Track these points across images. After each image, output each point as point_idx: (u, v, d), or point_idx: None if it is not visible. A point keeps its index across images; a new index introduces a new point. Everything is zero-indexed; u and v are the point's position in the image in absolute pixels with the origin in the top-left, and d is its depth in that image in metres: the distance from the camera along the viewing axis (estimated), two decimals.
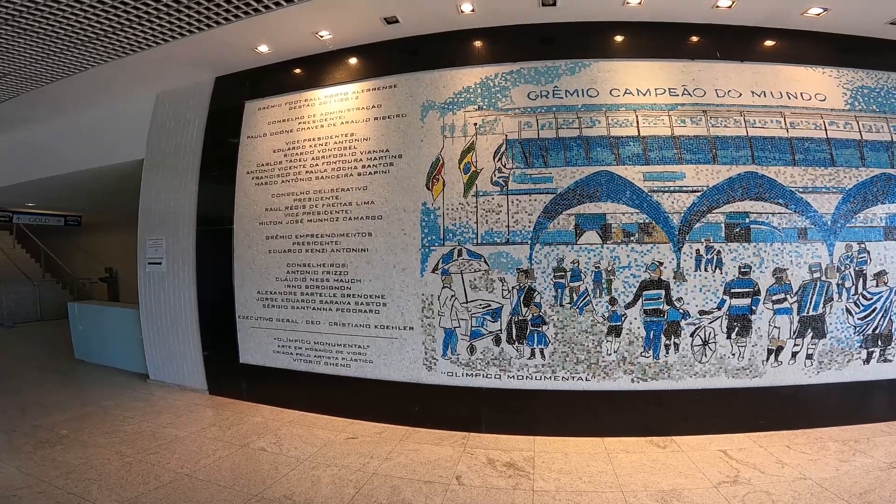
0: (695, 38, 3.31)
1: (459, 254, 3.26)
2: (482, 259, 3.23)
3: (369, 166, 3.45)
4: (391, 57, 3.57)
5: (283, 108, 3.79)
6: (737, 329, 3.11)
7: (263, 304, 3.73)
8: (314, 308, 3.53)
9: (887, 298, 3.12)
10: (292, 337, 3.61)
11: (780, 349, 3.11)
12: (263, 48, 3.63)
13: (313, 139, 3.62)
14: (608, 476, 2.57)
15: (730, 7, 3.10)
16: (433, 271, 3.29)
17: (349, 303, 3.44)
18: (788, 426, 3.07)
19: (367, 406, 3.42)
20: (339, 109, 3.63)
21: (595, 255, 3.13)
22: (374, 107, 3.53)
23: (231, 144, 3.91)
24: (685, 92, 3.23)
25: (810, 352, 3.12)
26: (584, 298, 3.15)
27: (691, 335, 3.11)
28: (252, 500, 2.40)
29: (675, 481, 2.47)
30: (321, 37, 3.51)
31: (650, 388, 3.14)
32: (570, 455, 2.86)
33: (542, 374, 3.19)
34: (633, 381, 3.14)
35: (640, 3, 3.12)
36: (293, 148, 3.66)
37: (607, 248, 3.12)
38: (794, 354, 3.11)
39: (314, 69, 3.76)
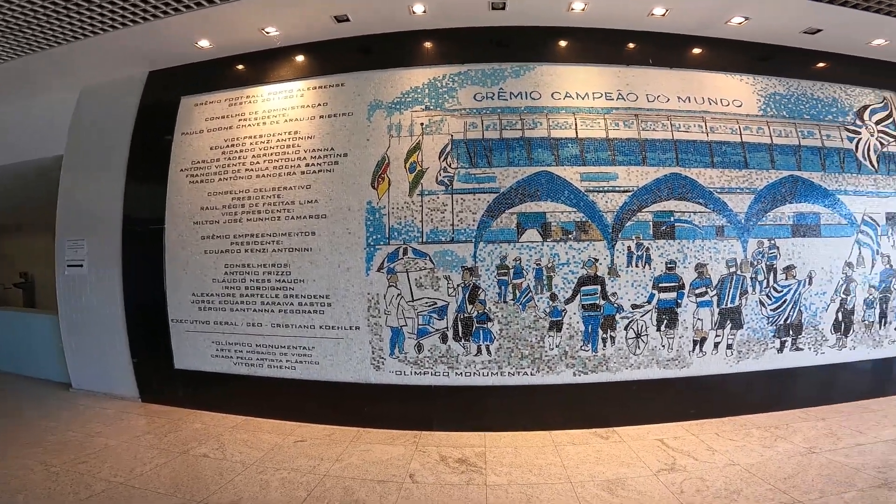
0: (631, 45, 3.52)
1: (405, 252, 3.27)
2: (427, 257, 3.25)
3: (313, 165, 3.38)
4: (341, 55, 3.53)
5: (222, 105, 3.65)
6: (665, 321, 3.31)
7: (199, 307, 3.54)
8: (255, 310, 3.39)
9: (796, 291, 3.44)
10: (232, 340, 3.46)
11: (703, 340, 3.35)
12: (204, 43, 3.49)
13: (254, 136, 3.51)
14: (557, 468, 2.65)
15: (663, 15, 3.32)
16: (378, 270, 3.27)
17: (292, 303, 3.34)
18: (717, 414, 3.29)
19: (315, 408, 3.33)
20: (283, 107, 3.54)
21: (536, 253, 3.24)
22: (320, 105, 3.48)
23: (164, 141, 3.72)
24: (619, 96, 3.43)
25: (730, 342, 3.38)
26: (527, 295, 3.25)
27: (625, 328, 3.29)
28: None
29: (619, 470, 2.59)
30: (268, 33, 3.42)
31: (591, 381, 3.27)
32: (520, 449, 2.93)
33: (489, 370, 3.24)
34: (574, 374, 3.26)
35: (583, 10, 3.28)
36: (232, 145, 3.53)
37: (547, 245, 3.24)
38: (716, 345, 3.36)
39: (258, 65, 3.65)
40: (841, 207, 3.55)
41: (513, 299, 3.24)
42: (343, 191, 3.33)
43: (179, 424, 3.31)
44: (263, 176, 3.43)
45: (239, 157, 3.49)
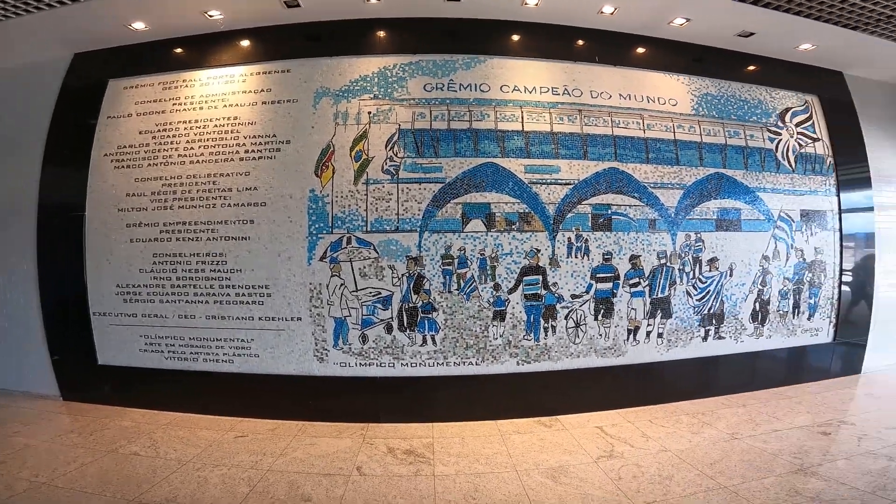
0: (580, 42, 3.63)
1: (349, 241, 3.23)
2: (372, 247, 3.22)
3: (253, 151, 3.27)
4: (289, 41, 3.44)
5: (155, 88, 3.47)
6: (602, 311, 3.46)
7: (125, 299, 3.34)
8: (188, 301, 3.25)
9: (718, 282, 3.68)
10: (162, 333, 3.29)
11: (637, 329, 3.52)
12: (139, 25, 3.29)
13: (189, 121, 3.35)
14: (503, 457, 2.72)
15: (612, 14, 3.44)
16: (321, 259, 3.22)
17: (229, 294, 3.22)
18: (651, 401, 3.47)
19: (256, 402, 3.23)
20: (222, 92, 3.40)
21: (480, 243, 3.29)
22: (263, 91, 3.37)
23: (87, 125, 3.47)
24: (566, 91, 3.54)
25: (661, 331, 3.57)
26: (471, 285, 3.30)
27: (566, 318, 3.40)
28: None
29: (562, 458, 2.68)
30: (211, 16, 3.27)
31: (534, 370, 3.37)
32: (467, 439, 2.97)
33: (435, 360, 3.26)
34: (518, 363, 3.35)
35: (536, 5, 3.35)
36: (164, 130, 3.37)
37: (491, 235, 3.30)
38: (648, 334, 3.54)
39: (198, 49, 3.50)
40: (760, 204, 3.81)
41: (457, 289, 3.27)
42: (285, 178, 3.25)
43: (106, 423, 3.13)
44: (198, 162, 3.29)
45: (171, 143, 3.32)
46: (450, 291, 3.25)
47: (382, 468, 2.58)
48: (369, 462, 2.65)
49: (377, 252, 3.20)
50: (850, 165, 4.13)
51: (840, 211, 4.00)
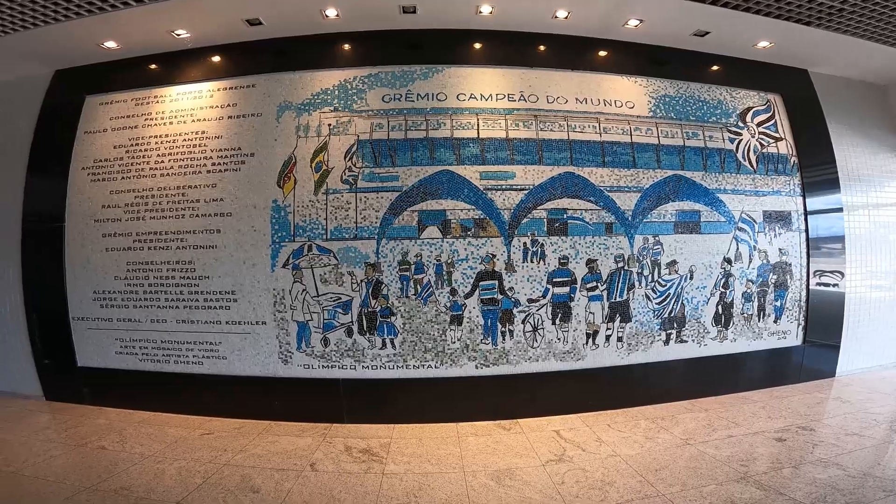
0: (535, 48, 3.68)
1: (309, 249, 3.37)
2: (331, 254, 3.35)
3: (220, 164, 3.45)
4: (253, 57, 3.61)
5: (128, 104, 3.68)
6: (560, 315, 3.49)
7: (101, 305, 3.56)
8: (159, 306, 3.43)
9: (678, 285, 3.66)
10: (136, 337, 3.49)
11: (596, 333, 3.54)
12: (111, 44, 3.52)
13: (160, 136, 3.55)
14: (455, 458, 2.78)
15: (566, 18, 3.48)
16: (284, 266, 3.36)
17: (197, 300, 3.40)
18: (612, 406, 3.47)
19: (224, 402, 3.38)
20: (191, 107, 3.59)
21: (436, 249, 3.38)
22: (229, 105, 3.55)
23: (66, 139, 3.69)
24: (521, 98, 3.60)
25: (620, 335, 3.58)
26: (428, 290, 3.39)
27: (523, 322, 3.45)
28: (82, 492, 2.36)
29: (512, 461, 2.73)
30: (178, 35, 3.47)
31: (493, 374, 3.43)
32: (424, 440, 3.05)
33: (395, 363, 3.37)
34: (476, 367, 3.41)
35: (491, 13, 3.43)
36: (137, 144, 3.56)
37: (447, 242, 3.38)
38: (607, 338, 3.55)
39: (168, 66, 3.69)
40: (720, 206, 3.78)
41: (414, 294, 3.37)
42: (249, 189, 3.41)
43: (83, 420, 3.34)
44: (168, 175, 3.48)
45: (143, 156, 3.52)
46: (407, 296, 3.36)
47: (335, 465, 2.70)
48: (324, 459, 2.76)
49: (337, 259, 3.34)
50: (817, 165, 4.04)
51: (806, 211, 3.92)
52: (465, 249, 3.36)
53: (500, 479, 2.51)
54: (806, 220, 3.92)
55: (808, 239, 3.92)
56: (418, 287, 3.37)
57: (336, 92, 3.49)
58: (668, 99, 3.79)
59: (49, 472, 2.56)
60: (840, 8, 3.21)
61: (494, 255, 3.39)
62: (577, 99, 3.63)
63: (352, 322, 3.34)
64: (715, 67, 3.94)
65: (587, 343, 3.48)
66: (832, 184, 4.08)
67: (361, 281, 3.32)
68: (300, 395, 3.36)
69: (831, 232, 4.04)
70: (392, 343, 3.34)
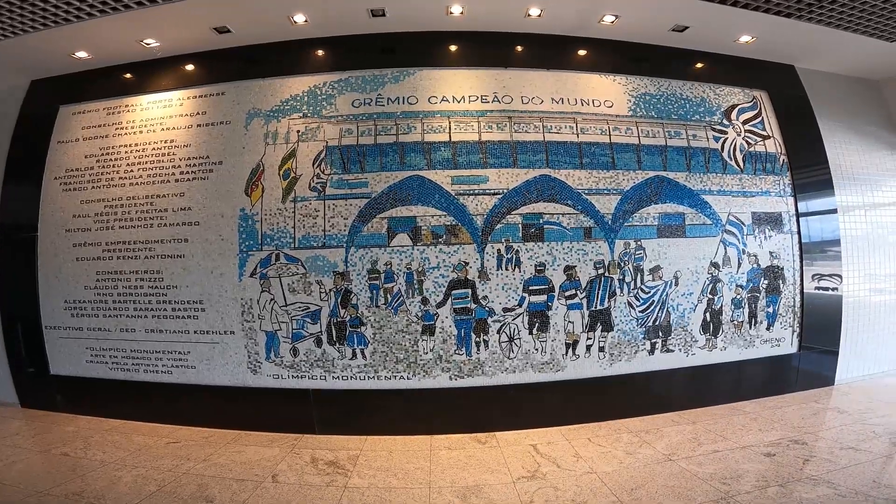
0: (509, 47, 3.59)
1: (277, 258, 3.31)
2: (300, 263, 3.29)
3: (188, 172, 3.43)
4: (223, 65, 3.59)
5: (100, 114, 3.69)
6: (537, 325, 3.35)
7: (72, 314, 3.55)
8: (128, 315, 3.42)
9: (663, 292, 3.48)
10: (106, 346, 3.47)
11: (576, 343, 3.38)
12: (82, 54, 3.54)
13: (130, 145, 3.55)
14: (423, 473, 2.67)
15: (539, 16, 3.37)
16: (251, 276, 3.31)
17: (166, 309, 3.37)
18: (594, 418, 3.31)
19: (193, 411, 3.35)
20: (160, 116, 3.59)
21: (407, 257, 3.29)
22: (198, 114, 3.54)
23: (41, 149, 3.72)
24: (495, 99, 3.50)
25: (602, 344, 3.41)
26: (399, 299, 3.29)
27: (498, 332, 3.32)
28: (32, 496, 2.35)
29: (482, 477, 2.61)
30: (147, 44, 3.47)
31: (468, 385, 3.31)
32: (394, 453, 2.94)
33: (366, 373, 3.28)
34: (451, 378, 3.29)
35: (462, 13, 3.35)
36: (107, 153, 3.57)
37: (418, 249, 3.29)
38: (588, 347, 3.39)
39: (138, 75, 3.70)
40: (705, 207, 3.60)
41: (385, 303, 3.28)
42: (216, 198, 3.38)
43: (52, 428, 3.33)
44: (137, 184, 3.48)
45: (113, 166, 3.53)
46: (377, 306, 3.26)
47: (298, 477, 2.62)
48: (287, 471, 2.69)
49: (305, 268, 3.27)
50: (808, 164, 3.85)
51: (797, 212, 3.72)
52: (437, 257, 3.26)
53: (466, 497, 2.39)
54: (798, 221, 3.73)
55: (800, 241, 3.72)
56: (388, 296, 3.28)
57: (305, 98, 3.45)
58: (648, 97, 3.65)
59: (7, 477, 2.56)
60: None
61: (467, 263, 3.27)
62: (553, 99, 3.52)
63: (321, 332, 3.26)
64: (697, 64, 3.80)
65: (567, 353, 3.33)
66: (825, 184, 3.89)
67: (330, 290, 3.25)
68: (270, 405, 3.29)
69: (826, 234, 3.84)
70: (362, 353, 3.25)
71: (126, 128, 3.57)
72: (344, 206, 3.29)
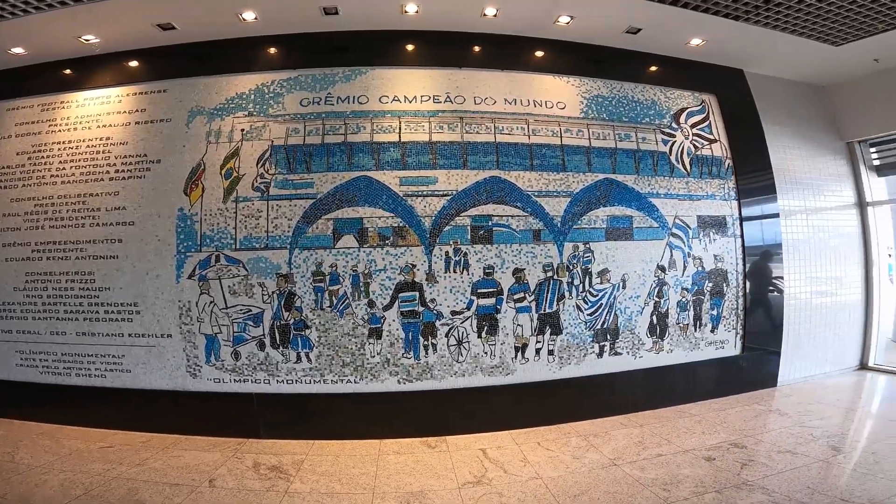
0: (464, 47, 3.54)
1: (217, 259, 3.20)
2: (241, 264, 3.19)
3: (123, 171, 3.31)
4: (166, 62, 3.48)
5: (34, 110, 3.55)
6: (486, 328, 3.31)
7: (1, 316, 3.37)
8: (58, 318, 3.28)
9: (611, 294, 3.49)
10: (36, 349, 3.32)
11: (525, 346, 3.36)
12: (19, 50, 3.39)
13: (63, 142, 3.42)
14: (368, 478, 2.61)
15: (495, 16, 3.33)
16: (190, 277, 3.19)
17: (97, 311, 3.24)
18: (545, 422, 3.29)
19: (130, 416, 3.22)
20: (97, 113, 3.46)
21: (353, 259, 3.22)
22: (137, 111, 3.41)
23: None
24: (448, 99, 3.45)
25: (551, 348, 3.41)
26: (344, 302, 3.22)
27: (446, 335, 3.28)
28: None
29: (427, 482, 2.56)
30: (86, 41, 3.34)
31: (417, 389, 3.26)
32: (341, 458, 2.88)
33: (312, 377, 3.20)
34: (399, 382, 3.24)
35: (417, 12, 3.28)
36: (39, 151, 3.43)
37: (364, 251, 3.22)
38: (537, 351, 3.38)
39: (77, 72, 3.57)
40: (653, 210, 3.63)
41: (330, 306, 3.21)
42: (154, 197, 3.27)
43: None
44: (69, 182, 3.35)
45: (45, 163, 3.39)
46: (322, 308, 3.19)
47: (237, 482, 2.54)
48: (226, 475, 2.61)
49: (247, 269, 3.17)
50: (752, 167, 3.92)
51: (741, 216, 3.78)
52: (384, 259, 3.21)
53: (409, 503, 2.34)
54: (742, 225, 3.78)
55: (744, 245, 3.77)
56: (334, 299, 3.21)
57: (252, 96, 3.35)
58: (600, 99, 3.65)
59: None
60: (767, 1, 3.05)
61: (415, 265, 3.22)
62: (506, 100, 3.49)
63: (263, 335, 3.16)
64: (649, 67, 3.83)
65: (516, 357, 3.31)
66: (768, 188, 3.96)
67: (273, 292, 3.16)
68: (211, 409, 3.19)
69: (768, 237, 3.90)
70: (307, 357, 3.17)
71: (60, 124, 3.44)
72: (288, 207, 3.21)
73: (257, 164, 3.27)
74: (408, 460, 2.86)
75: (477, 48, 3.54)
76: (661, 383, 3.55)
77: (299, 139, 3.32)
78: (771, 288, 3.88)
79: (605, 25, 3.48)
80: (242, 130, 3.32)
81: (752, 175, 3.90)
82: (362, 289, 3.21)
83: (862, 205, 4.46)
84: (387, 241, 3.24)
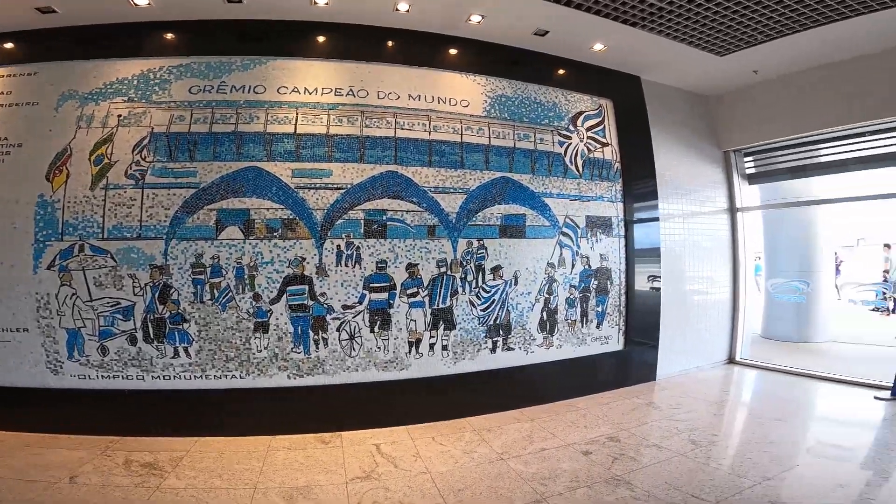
0: (375, 42, 3.48)
1: (81, 249, 2.98)
2: (108, 254, 2.99)
3: None
4: (43, 45, 3.18)
5: None
6: (378, 322, 3.30)
7: None
8: None
9: (503, 291, 3.58)
10: None
11: (419, 341, 3.38)
12: None
13: None
14: (252, 474, 2.52)
15: (407, 11, 3.29)
16: (49, 268, 2.95)
17: None
18: (442, 417, 3.31)
19: None
20: None
21: (237, 251, 3.09)
22: (2, 93, 3.08)
23: None
24: (350, 92, 3.38)
25: (445, 343, 3.44)
26: (227, 295, 3.09)
27: (338, 329, 3.23)
28: None
29: (315, 478, 2.51)
30: None
31: (309, 384, 3.18)
32: (226, 454, 2.76)
33: (192, 373, 3.04)
34: (289, 377, 3.15)
35: (327, 4, 3.18)
36: None
37: (250, 243, 3.11)
38: (431, 346, 3.40)
39: None
40: (545, 210, 3.76)
41: (211, 299, 3.07)
42: (13, 182, 3.00)
43: None
44: None
45: None
46: (202, 302, 3.05)
47: (102, 479, 2.40)
48: (91, 472, 2.46)
49: (115, 260, 2.98)
50: (638, 171, 4.14)
51: (626, 218, 4.00)
52: (271, 252, 3.11)
53: (293, 498, 2.29)
54: (626, 226, 3.99)
55: (627, 245, 3.98)
56: (216, 292, 3.07)
57: (135, 82, 3.15)
58: (504, 99, 3.73)
59: None
60: (660, 7, 3.19)
61: (304, 259, 3.15)
62: (410, 95, 3.48)
63: (135, 329, 2.98)
64: (554, 69, 3.95)
65: (410, 352, 3.32)
66: (651, 192, 4.19)
67: (146, 284, 2.99)
68: (79, 406, 2.97)
69: (649, 238, 4.14)
70: (186, 352, 3.02)
71: None
72: (166, 196, 3.03)
73: (133, 151, 3.07)
74: (298, 456, 2.80)
75: (387, 43, 3.50)
76: (553, 378, 3.68)
77: (184, 127, 3.15)
78: (650, 286, 4.11)
79: (514, 26, 3.53)
80: (119, 116, 3.12)
81: (638, 179, 4.12)
82: (247, 282, 3.10)
83: (733, 210, 4.84)
84: (275, 234, 3.15)
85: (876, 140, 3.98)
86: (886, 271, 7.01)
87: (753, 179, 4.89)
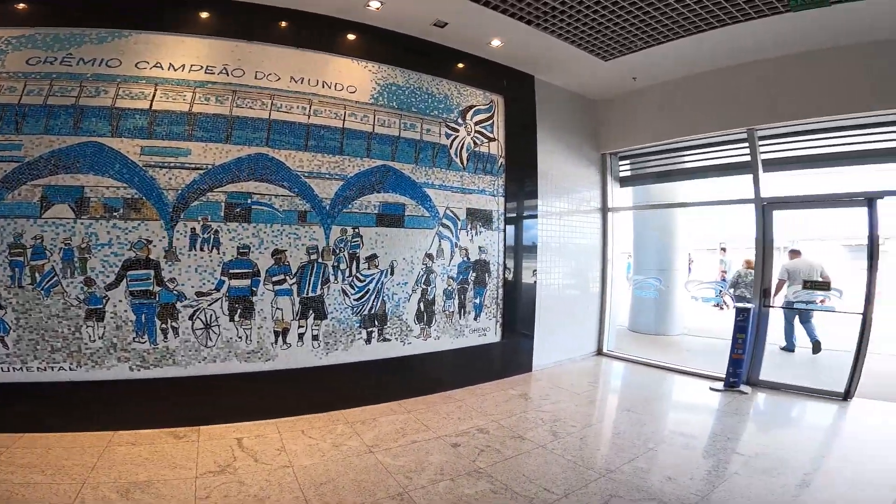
0: (261, 20, 3.26)
1: None
2: None
3: None
4: None
5: None
6: (239, 311, 3.10)
7: None
8: None
9: (378, 280, 3.51)
10: None
11: (286, 331, 3.22)
12: None
13: None
14: (83, 469, 2.31)
15: None
16: None
17: None
18: (315, 409, 3.19)
19: None
20: None
21: (66, 231, 2.78)
22: None
23: None
24: (223, 71, 3.15)
25: (315, 333, 3.31)
26: (52, 279, 2.76)
27: (191, 318, 2.99)
28: None
29: (160, 473, 2.30)
30: None
31: (157, 376, 2.91)
32: (54, 450, 2.49)
33: (10, 365, 2.68)
34: (131, 369, 2.86)
35: None
36: None
37: (82, 223, 2.81)
38: (300, 336, 3.26)
39: None
40: (426, 200, 3.75)
41: (32, 284, 2.72)
42: None
43: None
44: None
45: None
46: (21, 286, 2.69)
47: None
48: None
49: None
50: (521, 168, 4.25)
51: (506, 212, 4.09)
52: (109, 233, 2.82)
53: (128, 493, 2.11)
54: (505, 220, 4.08)
55: (505, 239, 4.08)
56: (37, 275, 2.73)
57: None
58: (394, 88, 3.67)
59: None
60: (553, 7, 3.25)
61: (150, 241, 2.89)
62: (292, 78, 3.32)
63: None
64: (451, 62, 3.95)
65: (277, 342, 3.15)
66: (532, 189, 4.32)
67: None
68: None
69: (527, 234, 4.27)
70: (3, 341, 2.64)
71: None
72: None
73: None
74: (142, 451, 2.58)
75: (282, 24, 3.31)
76: (431, 369, 3.67)
77: (13, 98, 2.78)
78: (528, 280, 4.23)
79: (414, 15, 3.47)
80: None
81: (521, 176, 4.24)
82: (77, 265, 2.79)
83: (605, 211, 5.16)
84: (115, 214, 2.85)
85: (725, 150, 4.27)
86: (724, 272, 8.12)
87: (626, 182, 5.21)
